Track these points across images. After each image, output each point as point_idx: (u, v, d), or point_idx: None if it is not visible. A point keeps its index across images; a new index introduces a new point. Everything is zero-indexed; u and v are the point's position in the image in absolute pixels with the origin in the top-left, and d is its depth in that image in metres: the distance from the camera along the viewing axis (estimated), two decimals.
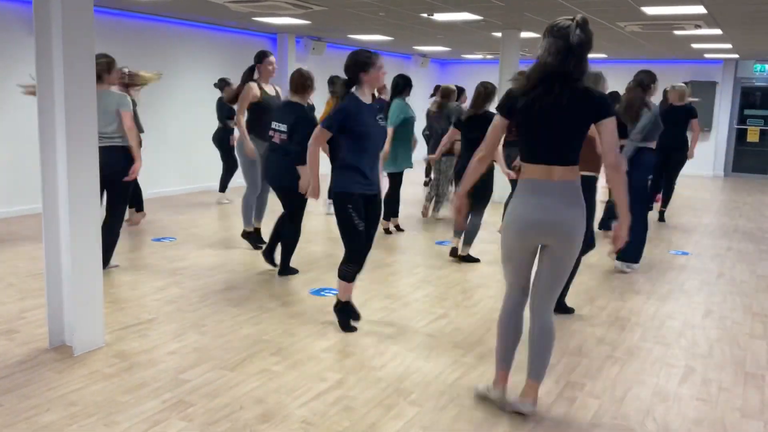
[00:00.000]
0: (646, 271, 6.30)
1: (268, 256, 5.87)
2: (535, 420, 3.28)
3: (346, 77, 4.29)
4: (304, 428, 3.13)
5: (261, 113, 6.18)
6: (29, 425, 3.10)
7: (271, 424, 3.16)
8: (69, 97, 3.72)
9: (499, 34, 10.61)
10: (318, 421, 3.20)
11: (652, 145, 5.95)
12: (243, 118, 6.32)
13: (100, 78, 5.03)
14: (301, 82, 5.46)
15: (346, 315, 4.51)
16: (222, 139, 9.50)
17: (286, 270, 5.75)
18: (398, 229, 7.75)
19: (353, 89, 4.28)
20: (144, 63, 9.71)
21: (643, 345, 4.37)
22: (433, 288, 5.53)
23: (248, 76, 6.33)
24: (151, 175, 9.39)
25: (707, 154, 15.36)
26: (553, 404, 3.47)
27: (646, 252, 7.02)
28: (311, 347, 4.15)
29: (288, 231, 5.66)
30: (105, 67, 5.24)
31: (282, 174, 5.41)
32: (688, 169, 15.22)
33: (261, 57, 6.37)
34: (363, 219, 4.31)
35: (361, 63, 4.20)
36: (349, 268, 4.40)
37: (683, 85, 8.86)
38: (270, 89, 6.42)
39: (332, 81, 8.11)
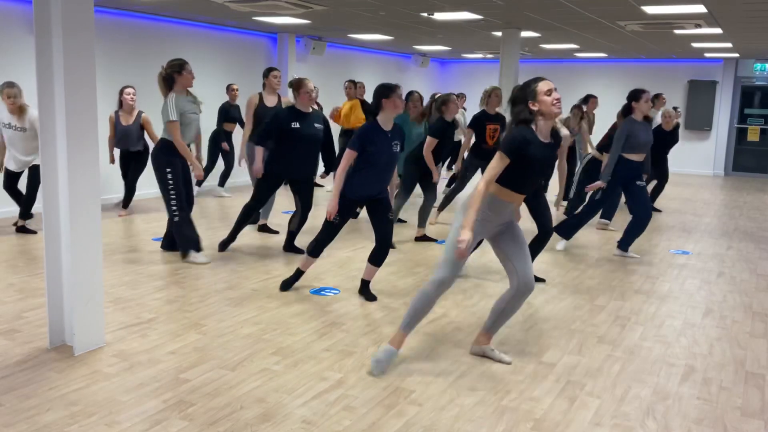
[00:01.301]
0: (646, 270, 6.30)
1: (290, 247, 6.56)
2: (536, 419, 3.28)
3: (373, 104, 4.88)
4: (304, 428, 3.14)
5: (258, 123, 6.91)
6: (30, 425, 3.10)
7: (272, 424, 3.16)
8: (69, 96, 3.72)
9: (499, 34, 10.61)
10: (318, 421, 3.20)
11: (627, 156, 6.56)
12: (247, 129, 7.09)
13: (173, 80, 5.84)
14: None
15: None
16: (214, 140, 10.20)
17: (224, 244, 6.57)
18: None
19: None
20: (144, 63, 9.72)
21: (643, 344, 4.37)
22: None
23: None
24: (151, 175, 9.38)
25: (707, 154, 15.37)
26: (553, 403, 3.47)
27: (646, 250, 7.06)
28: (312, 347, 4.15)
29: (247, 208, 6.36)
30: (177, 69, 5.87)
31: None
32: (688, 168, 15.35)
33: (268, 71, 7.25)
34: (343, 217, 4.96)
35: (382, 90, 4.79)
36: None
37: (672, 110, 9.31)
38: (272, 100, 7.16)
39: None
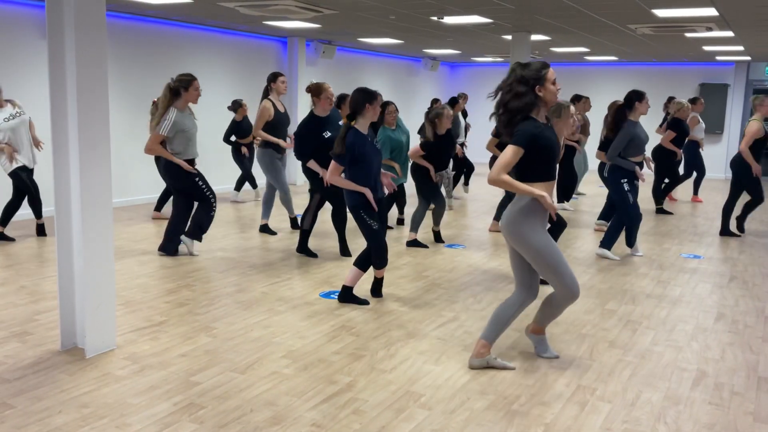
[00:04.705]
0: (657, 274, 6.27)
1: (302, 249, 6.58)
2: (546, 424, 3.27)
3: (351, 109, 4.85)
4: (314, 431, 3.14)
5: (273, 129, 7.14)
6: (41, 427, 3.12)
7: (282, 427, 3.17)
8: (82, 100, 3.74)
9: (509, 37, 10.60)
10: (328, 424, 3.21)
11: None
12: (260, 131, 7.22)
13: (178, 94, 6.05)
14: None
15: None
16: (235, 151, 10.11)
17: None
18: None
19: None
20: (155, 67, 9.78)
21: (654, 348, 4.35)
22: (443, 291, 5.53)
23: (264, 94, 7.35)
24: (161, 179, 9.43)
25: (719, 157, 15.29)
26: (564, 408, 3.46)
27: (657, 254, 7.02)
28: (322, 350, 4.16)
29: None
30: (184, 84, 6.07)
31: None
32: None
33: (275, 77, 7.31)
34: (377, 221, 4.92)
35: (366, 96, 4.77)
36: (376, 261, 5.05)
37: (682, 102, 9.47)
38: (280, 106, 7.32)
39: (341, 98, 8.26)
